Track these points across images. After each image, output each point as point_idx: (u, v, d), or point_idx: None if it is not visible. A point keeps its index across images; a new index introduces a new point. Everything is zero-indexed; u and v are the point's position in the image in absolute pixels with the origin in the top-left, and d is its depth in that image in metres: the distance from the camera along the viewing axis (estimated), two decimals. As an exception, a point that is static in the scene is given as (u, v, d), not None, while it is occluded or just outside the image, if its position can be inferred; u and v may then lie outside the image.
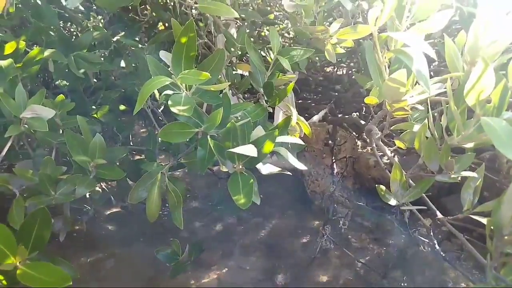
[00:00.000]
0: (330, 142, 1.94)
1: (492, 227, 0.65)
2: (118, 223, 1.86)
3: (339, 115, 2.29)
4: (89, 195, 1.25)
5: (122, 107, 1.77)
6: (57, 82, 1.53)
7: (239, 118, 1.01)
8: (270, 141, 0.91)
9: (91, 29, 1.56)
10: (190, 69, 0.92)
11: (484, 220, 0.71)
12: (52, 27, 1.46)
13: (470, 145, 0.80)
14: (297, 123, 1.21)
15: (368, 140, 1.63)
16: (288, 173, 0.99)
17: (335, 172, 1.75)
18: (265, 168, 0.97)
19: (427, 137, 0.88)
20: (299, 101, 2.67)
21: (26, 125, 1.01)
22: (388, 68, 0.92)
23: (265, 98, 1.23)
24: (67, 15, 1.64)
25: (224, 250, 1.70)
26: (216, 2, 1.05)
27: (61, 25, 1.77)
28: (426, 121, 0.89)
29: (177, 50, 0.91)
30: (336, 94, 2.43)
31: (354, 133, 2.06)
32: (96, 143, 1.05)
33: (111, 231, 1.79)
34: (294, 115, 1.14)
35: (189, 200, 2.15)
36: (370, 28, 0.82)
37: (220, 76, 1.22)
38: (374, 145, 1.16)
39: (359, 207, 1.84)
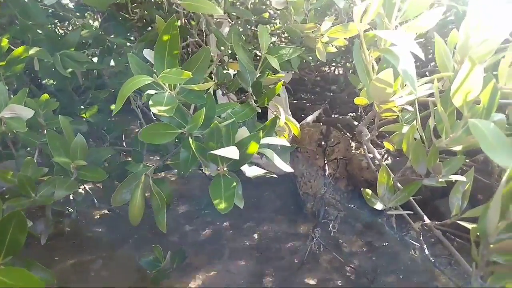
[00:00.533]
0: (323, 143, 1.91)
1: (478, 234, 0.63)
2: (105, 226, 1.83)
3: (334, 116, 2.26)
4: (72, 197, 1.23)
5: (112, 106, 1.74)
6: (44, 81, 1.50)
7: (225, 118, 0.98)
8: (254, 143, 0.88)
9: (80, 27, 1.53)
10: (173, 68, 0.89)
11: (469, 226, 0.68)
12: (40, 24, 1.43)
13: (458, 148, 0.77)
14: (286, 123, 1.18)
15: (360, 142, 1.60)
16: (275, 175, 0.96)
17: (326, 174, 1.73)
18: (250, 171, 0.94)
19: (415, 139, 0.85)
20: (294, 101, 2.64)
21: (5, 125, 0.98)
22: (377, 67, 0.89)
23: (254, 98, 1.21)
24: (60, 14, 1.61)
25: (213, 254, 1.67)
26: (202, 0, 1.02)
27: (51, 23, 1.74)
28: (414, 122, 0.87)
29: (160, 48, 0.89)
30: (332, 94, 2.40)
31: (348, 134, 2.04)
32: (77, 144, 1.03)
33: (97, 234, 1.76)
34: (282, 115, 1.11)
35: (180, 202, 2.12)
36: (356, 25, 0.80)
37: (206, 75, 1.19)
38: (365, 147, 1.14)
39: (351, 210, 1.82)
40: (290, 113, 2.14)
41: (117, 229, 1.77)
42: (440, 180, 0.79)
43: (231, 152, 0.80)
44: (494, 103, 0.72)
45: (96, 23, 1.85)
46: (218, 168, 0.90)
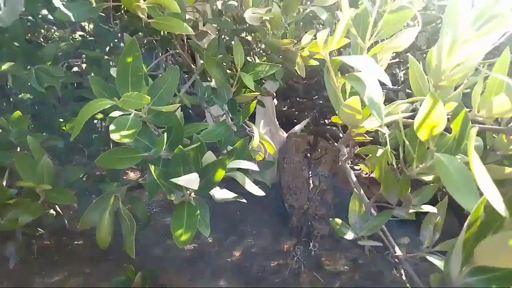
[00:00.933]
0: (309, 154, 1.88)
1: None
2: (83, 244, 1.80)
3: (323, 124, 2.23)
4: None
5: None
6: (20, 95, 1.47)
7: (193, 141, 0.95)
8: (221, 169, 0.85)
9: (57, 41, 1.50)
10: (136, 91, 0.86)
11: (438, 263, 0.65)
12: (16, 37, 1.40)
13: (429, 178, 0.74)
14: (261, 142, 1.15)
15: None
16: (244, 200, 0.93)
17: (311, 188, 1.69)
18: (219, 194, 0.90)
19: (389, 165, 0.82)
20: (284, 108, 2.61)
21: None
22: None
23: (230, 115, 1.18)
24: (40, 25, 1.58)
25: (193, 272, 1.63)
26: (171, 18, 0.99)
27: (29, 33, 1.70)
28: (387, 148, 0.83)
29: (122, 70, 0.85)
30: (321, 102, 2.36)
31: (335, 144, 2.00)
32: (43, 167, 0.99)
33: (70, 253, 1.72)
34: (256, 135, 1.08)
35: (164, 215, 2.09)
36: (320, 51, 0.76)
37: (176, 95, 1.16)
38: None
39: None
40: (277, 122, 2.11)
41: (94, 248, 1.73)
42: (410, 211, 0.75)
43: (191, 182, 0.76)
44: (465, 133, 0.69)
45: (78, 34, 1.82)
46: (183, 195, 0.86)
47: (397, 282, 1.49)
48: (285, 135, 2.11)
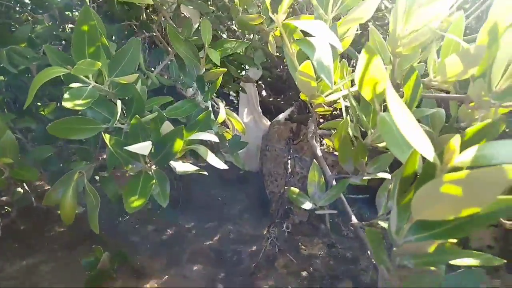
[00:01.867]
0: (290, 141, 1.87)
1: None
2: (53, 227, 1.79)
3: (307, 113, 2.21)
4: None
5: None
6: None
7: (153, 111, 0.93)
8: (179, 139, 0.84)
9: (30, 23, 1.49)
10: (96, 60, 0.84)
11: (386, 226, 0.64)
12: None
13: (382, 144, 0.73)
14: (228, 119, 1.14)
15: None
16: (205, 173, 0.92)
17: (289, 172, 1.68)
18: (180, 166, 0.89)
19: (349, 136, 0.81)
20: (271, 99, 2.60)
21: None
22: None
23: (199, 94, 1.16)
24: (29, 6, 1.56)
25: (170, 257, 1.62)
26: (134, -10, 0.98)
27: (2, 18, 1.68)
28: (347, 118, 0.82)
29: (78, 40, 0.84)
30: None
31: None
32: (6, 141, 0.98)
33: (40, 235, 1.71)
34: (222, 109, 1.06)
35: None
36: (273, 17, 0.75)
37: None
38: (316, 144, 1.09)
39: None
40: (260, 110, 2.10)
41: (70, 230, 1.72)
42: (365, 178, 0.74)
43: (143, 148, 0.75)
44: (416, 96, 0.68)
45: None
46: (142, 166, 0.85)
47: (368, 268, 1.48)
48: (269, 123, 2.10)
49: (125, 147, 0.76)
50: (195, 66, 1.14)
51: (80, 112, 0.90)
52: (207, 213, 1.95)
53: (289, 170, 1.66)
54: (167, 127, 0.86)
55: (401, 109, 0.45)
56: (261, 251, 1.50)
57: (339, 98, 0.84)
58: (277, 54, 1.84)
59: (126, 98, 0.94)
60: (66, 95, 0.80)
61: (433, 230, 0.52)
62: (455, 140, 0.44)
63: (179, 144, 0.84)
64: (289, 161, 1.69)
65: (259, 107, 2.09)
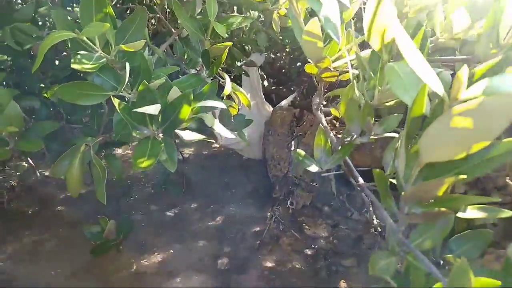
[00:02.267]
0: (293, 123, 1.87)
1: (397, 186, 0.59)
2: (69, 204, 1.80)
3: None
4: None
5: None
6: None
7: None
8: (186, 105, 0.84)
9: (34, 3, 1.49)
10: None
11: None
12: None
13: (390, 103, 0.73)
14: (234, 93, 1.14)
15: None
16: (212, 140, 0.92)
17: (291, 153, 1.68)
18: (187, 135, 0.89)
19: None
20: (273, 87, 2.61)
21: None
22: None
23: (205, 69, 1.17)
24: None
25: (175, 234, 1.63)
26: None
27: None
28: (354, 82, 0.83)
29: (86, 5, 0.84)
30: (307, 78, 2.36)
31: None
32: (11, 111, 0.98)
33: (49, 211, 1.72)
34: (228, 83, 1.06)
35: (148, 184, 2.08)
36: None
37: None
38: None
39: (321, 192, 1.78)
40: (263, 96, 2.10)
41: (77, 207, 1.74)
42: (371, 137, 0.74)
43: (153, 109, 0.75)
44: (424, 49, 0.68)
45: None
46: (150, 132, 0.85)
47: (375, 245, 1.48)
48: (271, 109, 2.10)
49: (134, 109, 0.76)
50: (200, 41, 1.15)
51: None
52: (211, 196, 1.97)
53: (292, 151, 1.67)
54: (174, 93, 0.86)
55: (411, 47, 0.45)
56: (265, 229, 1.50)
57: (346, 63, 0.84)
58: (280, 37, 1.84)
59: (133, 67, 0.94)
60: (74, 59, 0.80)
61: (442, 172, 0.52)
62: (462, 72, 0.44)
63: (186, 111, 0.84)
64: (292, 142, 1.70)
65: (262, 93, 2.09)
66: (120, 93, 0.88)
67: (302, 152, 0.82)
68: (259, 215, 1.80)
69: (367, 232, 1.57)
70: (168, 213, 1.78)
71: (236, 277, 1.36)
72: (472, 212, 0.63)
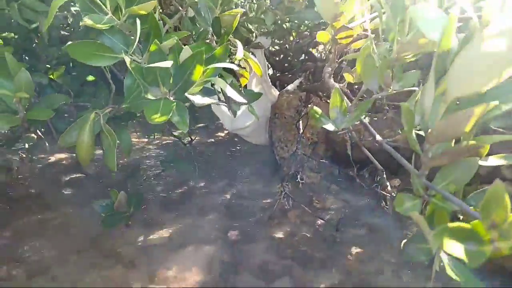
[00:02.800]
0: (301, 103, 1.85)
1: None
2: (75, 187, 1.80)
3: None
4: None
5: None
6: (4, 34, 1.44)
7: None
8: (199, 65, 0.83)
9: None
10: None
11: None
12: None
13: (409, 56, 0.72)
14: (246, 61, 1.12)
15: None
16: (223, 104, 0.91)
17: (300, 132, 1.67)
18: (198, 99, 0.88)
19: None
20: (278, 74, 2.60)
21: None
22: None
23: (215, 39, 1.15)
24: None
25: (182, 210, 1.62)
26: None
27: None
28: (369, 42, 0.81)
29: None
30: (311, 63, 2.35)
31: (328, 100, 1.97)
32: (21, 77, 0.97)
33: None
34: (240, 49, 1.05)
35: (157, 164, 2.08)
36: None
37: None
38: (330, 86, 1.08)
39: (329, 172, 1.77)
40: (269, 80, 2.09)
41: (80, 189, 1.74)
42: (390, 91, 0.73)
43: (165, 63, 0.74)
44: None
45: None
46: (161, 93, 0.84)
47: (384, 217, 1.47)
48: (277, 93, 2.09)
49: (147, 66, 0.75)
50: (210, 9, 1.13)
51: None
52: (217, 176, 1.97)
53: (301, 130, 1.65)
54: (186, 54, 0.85)
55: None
56: (275, 204, 1.49)
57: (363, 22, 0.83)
58: (287, 19, 1.82)
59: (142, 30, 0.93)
60: (86, 18, 0.79)
61: (471, 105, 0.50)
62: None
63: (199, 71, 0.83)
64: (300, 122, 1.69)
65: (268, 77, 2.07)
66: (130, 56, 0.87)
67: (319, 110, 0.81)
68: (264, 191, 1.80)
69: (378, 206, 1.56)
70: (174, 191, 1.78)
71: (247, 247, 1.35)
72: (493, 160, 0.62)
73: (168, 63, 0.75)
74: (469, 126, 0.50)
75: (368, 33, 0.87)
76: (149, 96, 0.83)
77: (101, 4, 0.85)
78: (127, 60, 0.78)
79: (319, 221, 1.49)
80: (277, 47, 2.58)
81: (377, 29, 0.82)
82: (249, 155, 2.24)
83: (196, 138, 2.34)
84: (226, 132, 2.77)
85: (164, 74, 0.82)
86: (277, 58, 2.64)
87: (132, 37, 0.94)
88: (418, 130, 0.67)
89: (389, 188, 1.09)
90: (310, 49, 2.61)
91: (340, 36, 0.86)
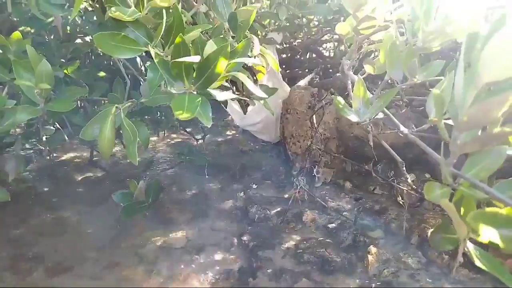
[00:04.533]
0: (314, 99, 1.86)
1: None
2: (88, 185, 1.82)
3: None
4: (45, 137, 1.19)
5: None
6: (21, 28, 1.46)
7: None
8: (223, 58, 0.83)
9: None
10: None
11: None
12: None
13: (435, 44, 0.72)
14: (261, 55, 1.13)
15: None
16: (245, 98, 0.91)
17: (314, 127, 1.67)
18: (220, 94, 0.89)
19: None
20: (287, 71, 2.60)
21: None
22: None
23: (231, 34, 1.16)
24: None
25: (197, 213, 1.63)
26: None
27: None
28: (392, 31, 0.82)
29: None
30: (323, 61, 2.36)
31: (339, 95, 1.97)
32: (42, 69, 0.98)
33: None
34: (256, 44, 1.05)
35: (170, 165, 2.09)
36: None
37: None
38: (348, 80, 1.08)
39: (341, 168, 1.77)
40: (280, 76, 2.09)
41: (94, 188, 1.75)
42: (415, 81, 0.73)
43: (194, 58, 0.75)
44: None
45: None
46: (185, 87, 0.85)
47: (398, 218, 1.48)
48: (289, 89, 2.09)
49: (174, 60, 0.76)
50: (226, 4, 1.14)
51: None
52: (231, 176, 1.97)
53: (315, 125, 1.66)
54: (210, 48, 0.85)
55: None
56: (291, 199, 1.49)
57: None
58: (299, 14, 1.83)
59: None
60: (112, 9, 0.80)
61: (503, 90, 0.50)
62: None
63: (223, 64, 0.83)
64: (313, 116, 1.69)
65: (279, 73, 2.08)
66: (153, 49, 0.88)
67: (342, 100, 0.81)
68: (277, 188, 1.81)
69: (391, 205, 1.57)
70: (188, 193, 1.79)
71: (262, 251, 1.37)
72: (522, 150, 0.62)
73: (196, 58, 0.75)
74: (501, 111, 0.50)
75: (390, 23, 0.88)
76: (173, 90, 0.83)
77: (127, -1, 0.86)
78: (153, 52, 0.79)
79: (335, 222, 1.49)
80: (285, 44, 2.59)
81: (400, 19, 0.83)
82: (260, 153, 2.26)
83: (207, 135, 2.35)
84: (235, 128, 2.78)
85: (188, 68, 0.82)
86: (284, 56, 2.65)
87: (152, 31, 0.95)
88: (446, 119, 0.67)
89: (409, 180, 1.09)
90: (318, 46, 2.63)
91: (364, 27, 0.86)
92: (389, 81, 0.85)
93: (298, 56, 2.65)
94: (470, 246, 0.61)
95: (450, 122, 0.60)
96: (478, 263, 0.58)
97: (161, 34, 0.84)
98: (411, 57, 0.73)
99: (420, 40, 0.72)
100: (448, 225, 0.66)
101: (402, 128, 0.78)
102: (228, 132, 2.77)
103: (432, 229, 0.62)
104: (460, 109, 0.54)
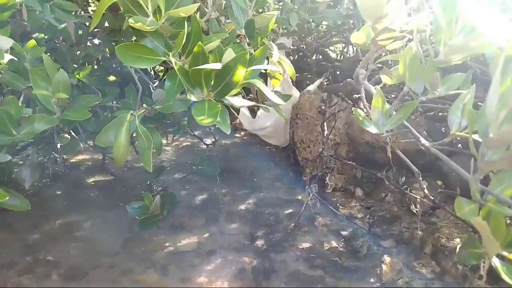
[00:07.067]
0: (323, 107, 1.86)
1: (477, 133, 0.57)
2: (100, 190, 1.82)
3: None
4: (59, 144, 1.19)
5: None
6: (34, 35, 1.46)
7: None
8: (241, 65, 0.83)
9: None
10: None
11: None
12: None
13: (457, 58, 0.72)
14: (279, 63, 1.13)
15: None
16: (261, 105, 0.91)
17: (325, 134, 1.67)
18: (237, 101, 0.89)
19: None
20: (297, 75, 2.60)
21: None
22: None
23: (247, 41, 1.16)
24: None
25: (208, 217, 1.63)
26: None
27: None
28: (412, 43, 0.81)
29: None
30: (333, 65, 2.36)
31: (350, 101, 1.97)
32: (59, 78, 0.98)
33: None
34: (275, 51, 1.05)
35: (179, 169, 2.10)
36: None
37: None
38: (362, 89, 1.08)
39: (351, 175, 1.76)
40: (289, 80, 2.09)
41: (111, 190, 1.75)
42: (436, 94, 0.73)
43: (215, 65, 0.75)
44: None
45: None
46: (203, 94, 0.85)
47: (411, 227, 1.47)
48: (298, 93, 2.09)
49: (194, 68, 0.76)
50: (242, 11, 1.14)
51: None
52: (241, 181, 1.97)
53: (325, 131, 1.65)
54: (228, 56, 0.85)
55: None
56: (303, 207, 1.49)
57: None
58: (310, 19, 1.82)
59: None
60: (130, 20, 0.80)
61: None
62: None
63: (241, 72, 0.83)
64: (324, 123, 1.69)
65: (289, 78, 2.08)
66: (173, 58, 0.88)
67: (362, 112, 0.81)
68: (290, 198, 1.80)
69: (404, 213, 1.56)
70: (199, 197, 1.79)
71: (274, 255, 1.36)
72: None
73: (217, 65, 0.75)
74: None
75: (409, 35, 0.87)
76: (193, 98, 0.83)
77: (143, 5, 0.86)
78: (173, 61, 0.79)
79: (347, 229, 1.49)
80: (292, 46, 2.60)
81: (419, 29, 0.83)
82: (270, 157, 2.26)
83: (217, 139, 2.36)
84: (243, 131, 2.78)
85: (207, 76, 0.83)
86: (292, 58, 2.65)
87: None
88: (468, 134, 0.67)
89: (425, 191, 1.09)
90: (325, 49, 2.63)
91: (382, 39, 0.86)
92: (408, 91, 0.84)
93: (307, 59, 2.65)
94: (495, 261, 0.62)
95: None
96: (505, 278, 0.59)
97: (183, 43, 0.84)
98: (433, 70, 0.73)
99: (442, 53, 0.71)
100: (474, 240, 0.66)
101: (423, 141, 0.78)
102: (237, 135, 2.77)
103: (460, 245, 0.62)
104: (490, 126, 0.54)
